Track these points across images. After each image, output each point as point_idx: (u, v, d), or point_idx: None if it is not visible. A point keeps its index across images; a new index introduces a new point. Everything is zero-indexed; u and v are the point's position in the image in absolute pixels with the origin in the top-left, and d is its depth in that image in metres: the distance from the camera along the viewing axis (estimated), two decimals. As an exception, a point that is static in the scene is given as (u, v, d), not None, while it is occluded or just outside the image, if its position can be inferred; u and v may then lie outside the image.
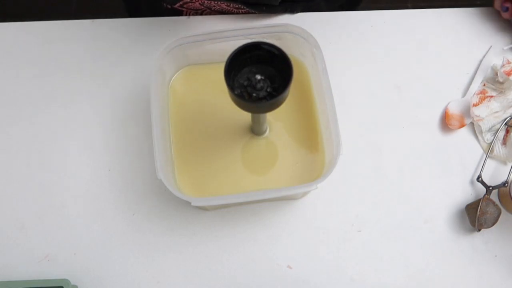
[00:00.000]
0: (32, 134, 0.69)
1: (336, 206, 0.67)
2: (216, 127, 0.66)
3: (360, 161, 0.69)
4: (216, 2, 0.71)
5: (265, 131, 0.66)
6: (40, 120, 0.70)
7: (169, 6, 0.74)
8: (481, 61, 0.74)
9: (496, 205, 0.64)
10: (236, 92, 0.51)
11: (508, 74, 0.69)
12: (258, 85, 0.52)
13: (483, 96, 0.70)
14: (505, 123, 0.69)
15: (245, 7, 0.72)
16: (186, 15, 0.75)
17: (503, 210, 0.66)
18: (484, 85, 0.72)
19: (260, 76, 0.52)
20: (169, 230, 0.65)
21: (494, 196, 0.67)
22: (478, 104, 0.70)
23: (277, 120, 0.66)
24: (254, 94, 0.52)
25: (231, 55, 0.51)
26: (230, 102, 0.52)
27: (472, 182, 0.68)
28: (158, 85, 0.61)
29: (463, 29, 0.76)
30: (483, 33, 0.75)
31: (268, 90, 0.52)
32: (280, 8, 0.74)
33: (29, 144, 0.69)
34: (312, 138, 0.65)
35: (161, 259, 0.64)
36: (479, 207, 0.63)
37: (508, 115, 0.70)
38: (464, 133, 0.71)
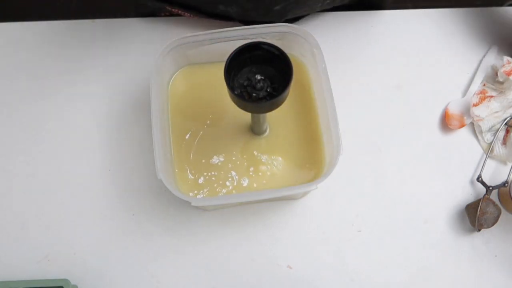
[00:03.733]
0: (32, 134, 0.69)
1: (336, 206, 0.67)
2: (216, 127, 0.66)
3: (360, 161, 0.69)
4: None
5: (265, 131, 0.66)
6: (40, 120, 0.70)
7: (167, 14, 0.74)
8: (481, 61, 0.74)
9: (496, 205, 0.64)
10: (236, 92, 0.52)
11: (508, 74, 0.69)
12: (258, 85, 0.52)
13: (483, 96, 0.70)
14: (505, 123, 0.69)
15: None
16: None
17: (503, 210, 0.66)
18: (484, 85, 0.72)
19: (260, 76, 0.53)
20: (169, 230, 0.65)
21: (494, 196, 0.67)
22: (478, 104, 0.70)
23: (277, 120, 0.66)
24: (254, 94, 0.52)
25: (231, 55, 0.51)
26: (230, 102, 0.52)
27: (472, 182, 0.68)
28: (158, 85, 0.61)
29: (463, 29, 0.76)
30: (483, 33, 0.75)
31: (268, 90, 0.52)
32: None
33: (29, 144, 0.69)
34: (312, 138, 0.65)
35: (161, 259, 0.64)
36: (479, 207, 0.63)
37: (508, 115, 0.70)
38: (464, 133, 0.71)
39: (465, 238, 0.66)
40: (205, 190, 0.63)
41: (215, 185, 0.64)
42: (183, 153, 0.65)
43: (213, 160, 0.65)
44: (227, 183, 0.64)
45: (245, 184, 0.64)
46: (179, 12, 0.72)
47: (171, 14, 0.74)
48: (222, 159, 0.65)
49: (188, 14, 0.72)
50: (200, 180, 0.64)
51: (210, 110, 0.67)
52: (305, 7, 0.68)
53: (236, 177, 0.64)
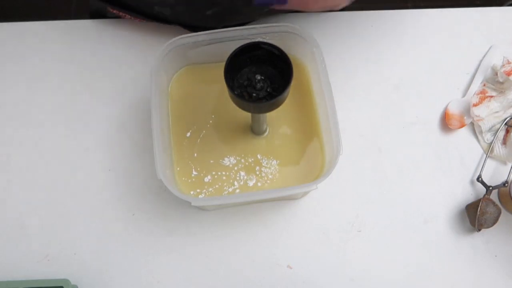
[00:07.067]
0: (31, 135, 0.69)
1: (336, 206, 0.67)
2: (216, 127, 0.66)
3: (360, 161, 0.69)
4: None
5: (265, 131, 0.66)
6: (39, 120, 0.70)
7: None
8: (481, 61, 0.74)
9: (496, 205, 0.64)
10: (236, 92, 0.52)
11: (508, 74, 0.69)
12: (258, 85, 0.52)
13: (483, 96, 0.70)
14: (505, 123, 0.69)
15: None
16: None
17: (503, 210, 0.66)
18: (484, 85, 0.72)
19: (260, 76, 0.53)
20: (169, 230, 0.65)
21: (494, 196, 0.67)
22: (478, 104, 0.70)
23: (277, 120, 0.66)
24: (254, 94, 0.52)
25: (231, 55, 0.51)
26: (230, 102, 0.52)
27: (472, 182, 0.68)
28: (158, 85, 0.61)
29: (463, 29, 0.76)
30: (483, 33, 0.75)
31: (268, 90, 0.53)
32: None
33: (29, 145, 0.69)
34: (312, 138, 0.65)
35: (161, 259, 0.64)
36: (479, 207, 0.63)
37: (508, 115, 0.70)
38: (464, 133, 0.71)
39: (465, 238, 0.66)
40: (206, 190, 0.63)
41: (216, 186, 0.63)
42: (185, 152, 0.65)
43: (211, 160, 0.65)
44: (227, 183, 0.64)
45: (245, 184, 0.64)
46: (119, 13, 0.72)
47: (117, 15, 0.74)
48: (221, 159, 0.65)
49: (129, 16, 0.72)
50: (200, 179, 0.64)
51: (210, 110, 0.67)
52: (241, 16, 0.68)
53: (237, 177, 0.64)
